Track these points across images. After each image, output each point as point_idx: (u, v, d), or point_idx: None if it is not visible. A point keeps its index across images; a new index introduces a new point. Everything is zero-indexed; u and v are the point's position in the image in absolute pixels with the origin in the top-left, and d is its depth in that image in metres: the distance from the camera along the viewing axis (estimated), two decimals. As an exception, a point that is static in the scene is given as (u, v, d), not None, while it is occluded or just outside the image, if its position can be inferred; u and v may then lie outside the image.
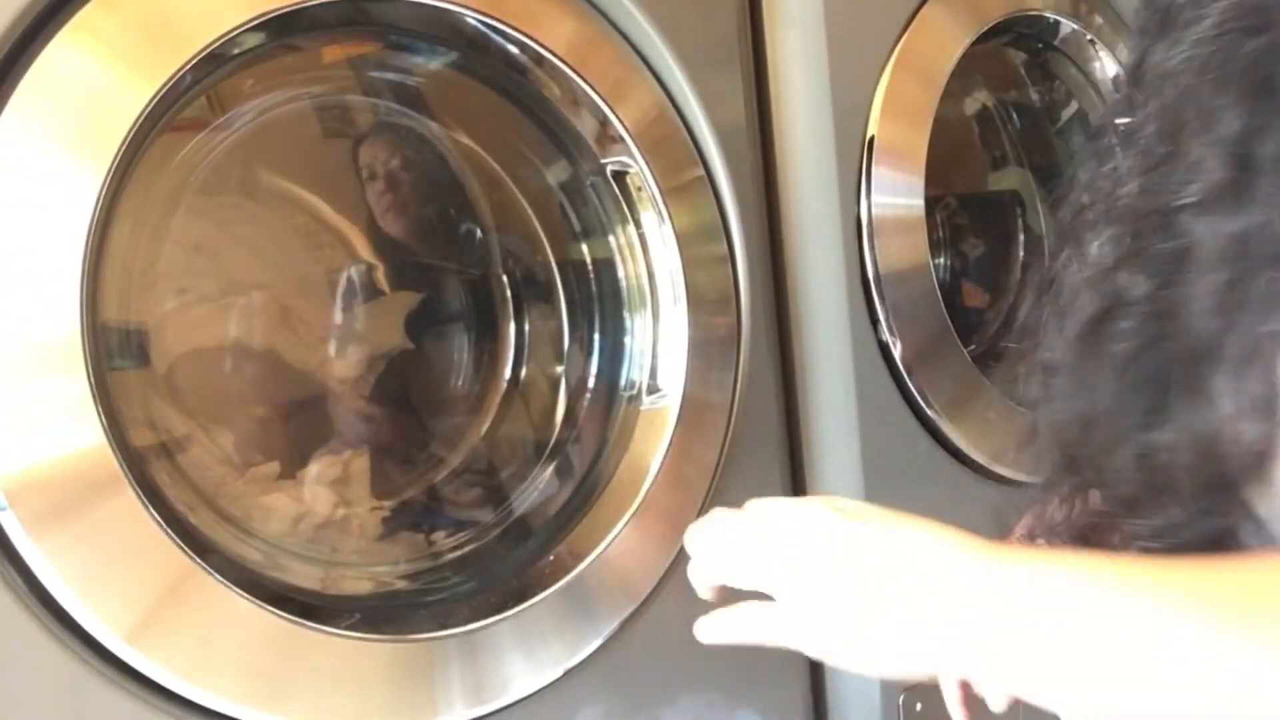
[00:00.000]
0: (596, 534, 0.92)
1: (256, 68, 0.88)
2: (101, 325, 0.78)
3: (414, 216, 1.04)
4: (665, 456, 0.93)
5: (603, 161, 0.96)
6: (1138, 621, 0.44)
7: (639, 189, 0.96)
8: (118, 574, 0.70)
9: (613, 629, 0.91)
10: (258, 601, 0.75)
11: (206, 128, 0.88)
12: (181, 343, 0.90)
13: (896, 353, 1.06)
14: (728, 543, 0.58)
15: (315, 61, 0.93)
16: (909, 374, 1.07)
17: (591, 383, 1.04)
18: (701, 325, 0.96)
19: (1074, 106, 1.37)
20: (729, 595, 0.59)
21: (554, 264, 1.06)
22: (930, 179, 1.10)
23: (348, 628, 0.80)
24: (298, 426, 0.97)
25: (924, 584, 0.53)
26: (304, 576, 0.89)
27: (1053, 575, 0.48)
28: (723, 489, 0.97)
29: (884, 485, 1.06)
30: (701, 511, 0.96)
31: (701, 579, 0.59)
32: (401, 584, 0.93)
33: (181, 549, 0.72)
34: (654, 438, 0.95)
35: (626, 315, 1.00)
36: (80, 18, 0.70)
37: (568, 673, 0.89)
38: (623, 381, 1.01)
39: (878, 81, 1.06)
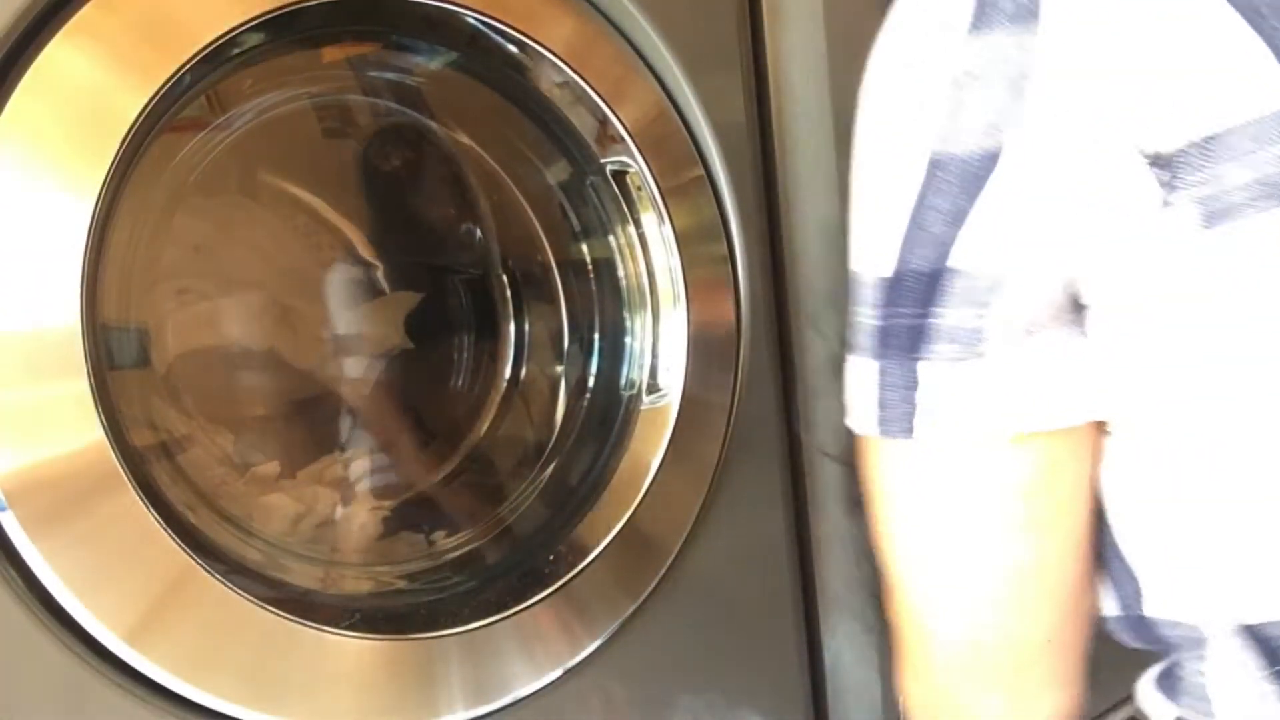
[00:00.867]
0: (596, 534, 0.92)
1: (256, 68, 0.88)
2: (101, 325, 0.78)
3: (414, 216, 1.04)
4: (665, 456, 0.93)
5: (602, 161, 0.96)
6: None
7: (639, 189, 0.96)
8: (118, 574, 0.70)
9: (613, 629, 0.91)
10: (258, 601, 0.75)
11: (206, 128, 0.88)
12: (181, 343, 0.90)
13: (896, 352, 1.06)
14: None
15: (315, 61, 0.93)
16: (909, 374, 1.07)
17: (591, 383, 1.04)
18: (701, 325, 0.96)
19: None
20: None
21: (554, 264, 1.06)
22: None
23: (348, 628, 0.80)
24: (297, 426, 0.97)
25: None
26: (304, 576, 0.89)
27: None
28: (723, 489, 0.97)
29: (884, 485, 1.06)
30: (702, 512, 0.96)
31: None
32: (401, 584, 0.93)
33: (181, 549, 0.72)
34: (654, 438, 0.95)
35: (626, 315, 1.00)
36: (80, 18, 0.70)
37: (567, 673, 0.89)
38: (623, 381, 1.01)
39: (878, 81, 1.06)
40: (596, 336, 1.04)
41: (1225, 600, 0.52)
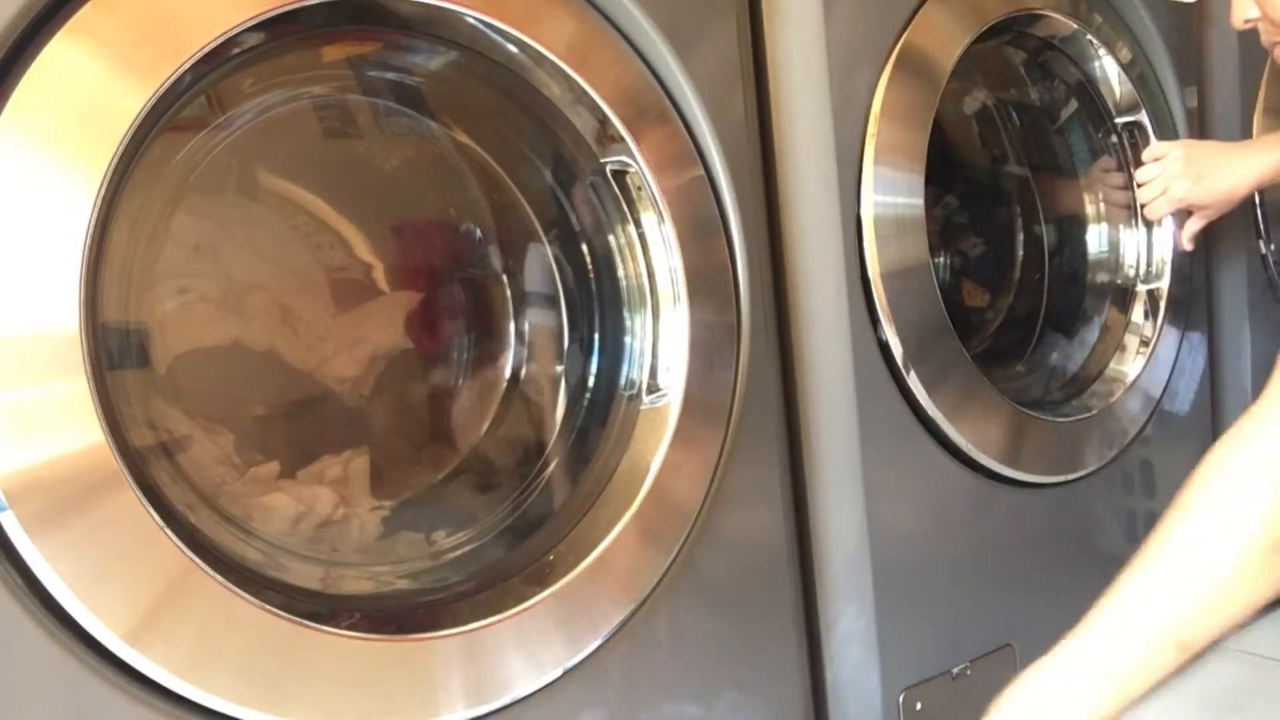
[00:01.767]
0: (596, 534, 0.92)
1: (256, 67, 0.88)
2: (101, 325, 0.78)
3: (414, 216, 1.04)
4: (665, 456, 0.93)
5: (603, 161, 0.96)
6: None
7: (639, 188, 0.96)
8: (117, 574, 0.70)
9: (613, 629, 0.91)
10: (258, 601, 0.75)
11: (206, 128, 0.88)
12: (181, 343, 0.90)
13: (896, 352, 1.06)
14: None
15: (315, 61, 0.93)
16: (909, 373, 1.07)
17: (591, 382, 1.04)
18: (701, 325, 0.96)
19: (1073, 105, 1.37)
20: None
21: (554, 264, 1.06)
22: (930, 178, 1.10)
23: (348, 628, 0.80)
24: (297, 426, 0.97)
25: None
26: (304, 576, 0.89)
27: None
28: (723, 488, 0.98)
29: (884, 484, 1.06)
30: (702, 512, 0.96)
31: None
32: (402, 583, 0.93)
33: (181, 549, 0.72)
34: (654, 437, 0.95)
35: (626, 315, 1.00)
36: (79, 18, 0.70)
37: (567, 673, 0.89)
38: (623, 381, 1.01)
39: (878, 81, 1.06)
40: (596, 336, 1.04)
41: None
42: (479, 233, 1.06)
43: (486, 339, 1.06)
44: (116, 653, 0.70)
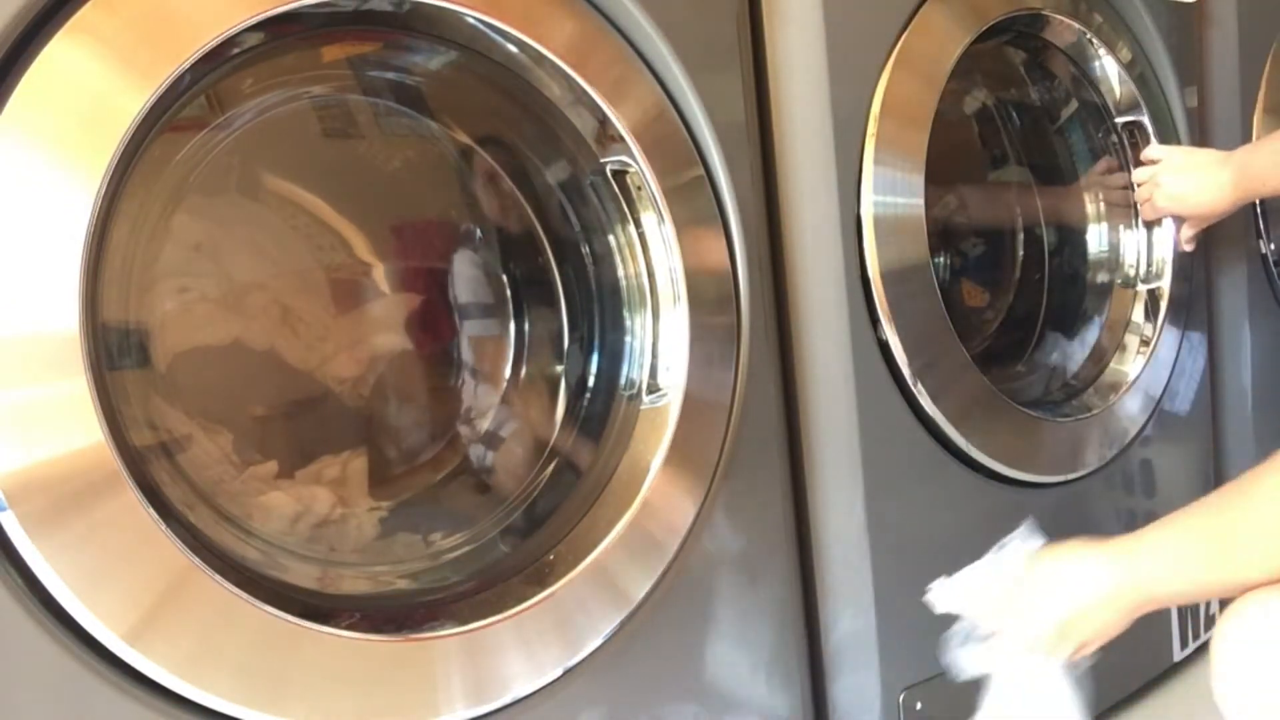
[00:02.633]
0: (596, 534, 0.92)
1: (256, 67, 0.88)
2: (101, 325, 0.78)
3: (414, 216, 1.04)
4: (665, 456, 0.93)
5: (603, 161, 0.96)
6: None
7: (639, 188, 0.96)
8: (117, 574, 0.70)
9: (613, 629, 0.91)
10: (257, 601, 0.75)
11: (206, 128, 0.88)
12: (181, 343, 0.90)
13: (896, 352, 1.06)
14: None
15: (315, 61, 0.93)
16: (909, 373, 1.07)
17: (591, 382, 1.04)
18: (701, 325, 0.96)
19: (1073, 105, 1.37)
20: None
21: (554, 264, 1.06)
22: (930, 178, 1.10)
23: (348, 628, 0.80)
24: (296, 426, 0.97)
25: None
26: (303, 576, 0.89)
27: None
28: (723, 489, 0.98)
29: (884, 485, 1.06)
30: (702, 512, 0.96)
31: None
32: (401, 583, 0.93)
33: (181, 549, 0.72)
34: (654, 437, 0.95)
35: (626, 315, 1.00)
36: (79, 18, 0.70)
37: (567, 673, 0.89)
38: (623, 381, 1.01)
39: (877, 81, 1.06)
40: (596, 336, 1.04)
41: None
42: (479, 232, 1.06)
43: (486, 339, 1.06)
44: (116, 653, 0.70)
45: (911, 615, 1.08)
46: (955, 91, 1.35)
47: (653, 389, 0.97)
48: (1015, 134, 1.42)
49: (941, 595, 0.88)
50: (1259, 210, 1.49)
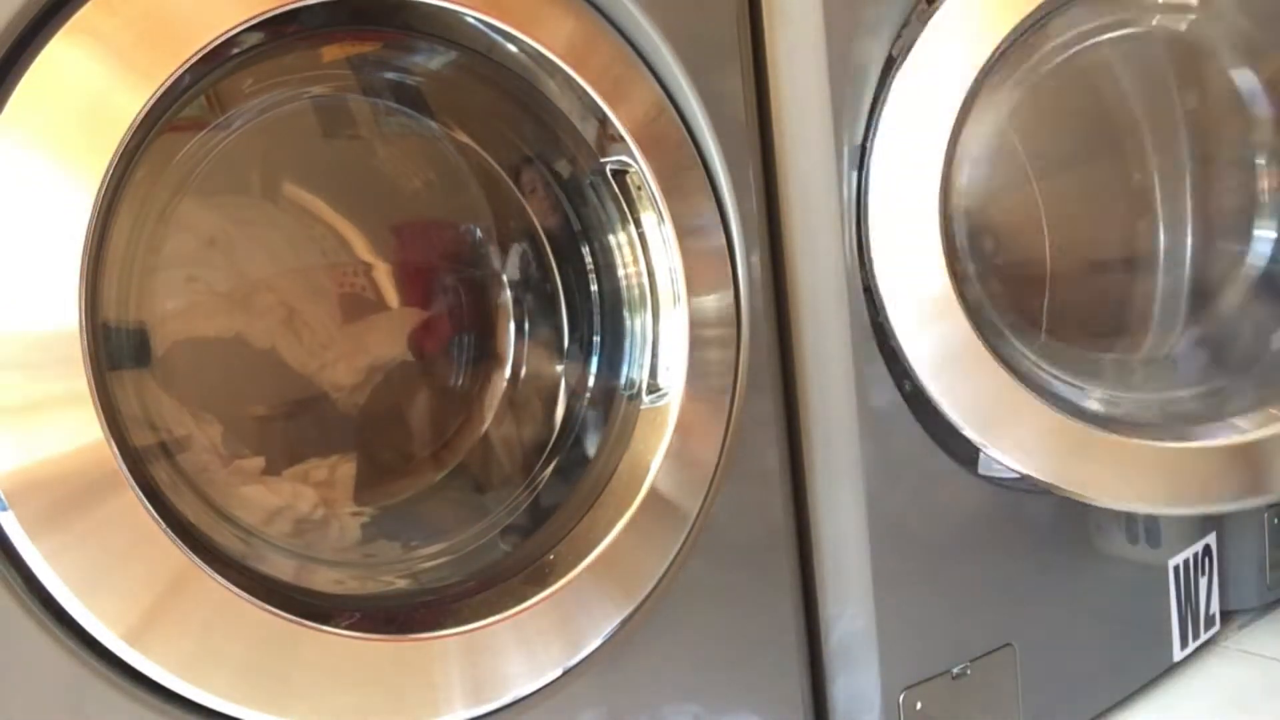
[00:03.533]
0: (596, 534, 0.92)
1: (256, 67, 0.88)
2: (101, 325, 0.78)
3: (412, 216, 1.04)
4: (665, 456, 0.93)
5: (602, 161, 0.96)
6: None
7: (639, 188, 0.96)
8: (118, 574, 0.70)
9: (613, 629, 0.91)
10: (258, 601, 0.75)
11: (206, 128, 0.89)
12: (182, 344, 0.90)
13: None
14: None
15: (315, 61, 0.93)
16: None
17: (591, 382, 1.04)
18: (701, 325, 0.96)
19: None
20: None
21: (554, 264, 1.06)
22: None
23: (348, 628, 0.80)
24: (290, 426, 0.97)
25: None
26: (306, 576, 0.90)
27: None
28: (723, 489, 0.98)
29: (884, 485, 1.06)
30: (702, 512, 0.96)
31: None
32: (401, 583, 0.93)
33: (181, 549, 0.72)
34: (654, 437, 0.95)
35: (626, 315, 1.01)
36: (79, 17, 0.70)
37: (567, 673, 0.89)
38: (623, 381, 1.01)
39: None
40: (596, 336, 1.04)
41: None
42: (479, 233, 1.06)
43: (486, 339, 1.06)
44: (116, 653, 0.70)
45: (911, 615, 1.09)
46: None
47: (653, 389, 0.97)
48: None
49: None
50: None
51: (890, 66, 1.03)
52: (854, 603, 1.07)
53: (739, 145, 0.99)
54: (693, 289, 0.96)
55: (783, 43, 1.02)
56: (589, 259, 1.04)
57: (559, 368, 1.07)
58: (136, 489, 0.70)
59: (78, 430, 0.69)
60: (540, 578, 0.89)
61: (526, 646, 0.86)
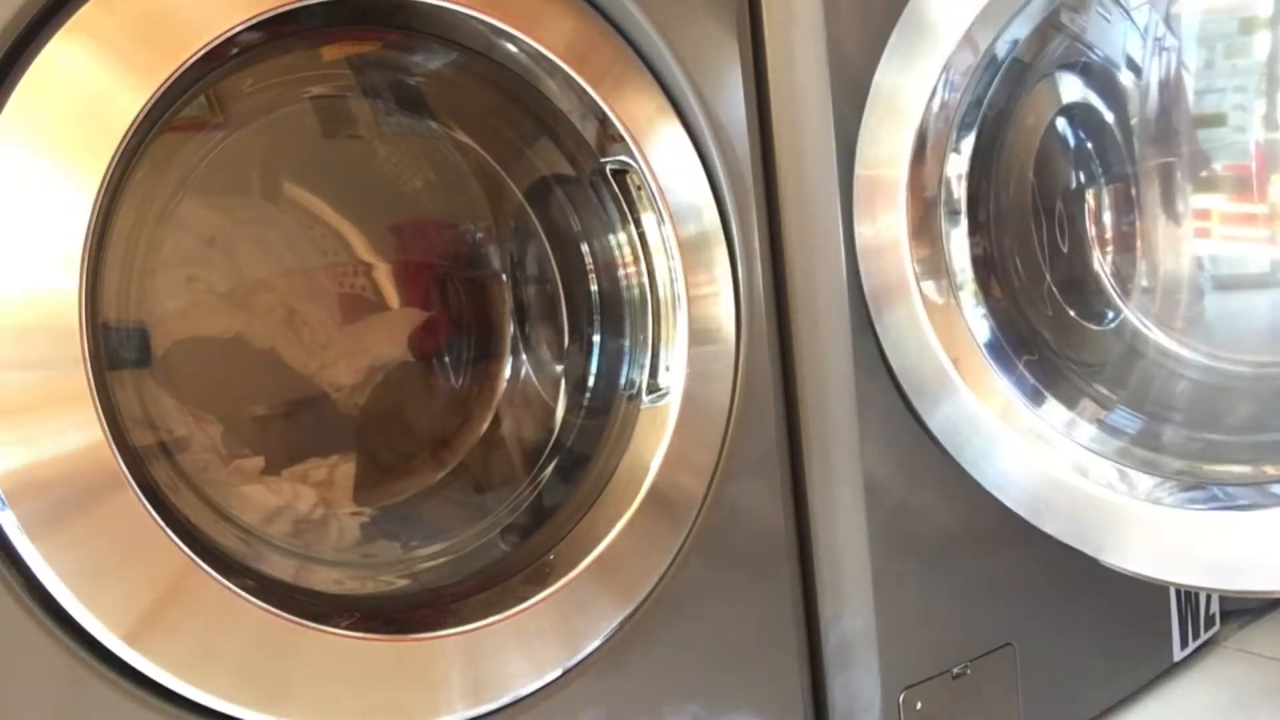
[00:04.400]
0: (596, 534, 0.92)
1: (256, 67, 0.88)
2: (101, 324, 0.78)
3: (413, 216, 1.04)
4: (665, 456, 0.93)
5: (603, 161, 0.96)
6: None
7: (639, 188, 0.96)
8: (117, 574, 0.70)
9: (613, 629, 0.91)
10: (258, 601, 0.75)
11: (206, 127, 0.89)
12: (182, 343, 0.90)
13: (897, 352, 1.06)
14: None
15: (315, 61, 0.93)
16: (909, 373, 1.07)
17: (591, 382, 1.04)
18: (701, 325, 0.96)
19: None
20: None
21: (554, 264, 1.06)
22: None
23: (348, 627, 0.80)
24: (290, 425, 0.97)
25: None
26: (306, 576, 0.90)
27: None
28: (722, 488, 0.98)
29: (884, 485, 1.06)
30: (702, 511, 0.96)
31: None
32: (401, 583, 0.93)
33: (181, 549, 0.72)
34: (654, 437, 0.95)
35: (626, 315, 1.01)
36: (79, 17, 0.70)
37: (567, 673, 0.89)
38: (623, 381, 1.01)
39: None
40: (596, 336, 1.04)
41: None
42: (479, 233, 1.06)
43: (486, 339, 1.06)
44: (116, 653, 0.70)
45: (911, 615, 1.09)
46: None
47: (653, 389, 0.97)
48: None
49: None
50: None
51: (890, 66, 1.03)
52: (854, 603, 1.07)
53: (739, 145, 0.99)
54: (692, 289, 0.96)
55: (783, 43, 1.02)
56: (589, 259, 1.04)
57: (559, 368, 1.07)
58: (136, 489, 0.70)
59: (78, 430, 0.69)
60: (540, 578, 0.89)
61: (526, 646, 0.86)
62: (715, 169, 0.98)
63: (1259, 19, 1.15)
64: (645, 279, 0.98)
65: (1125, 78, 1.20)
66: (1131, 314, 1.23)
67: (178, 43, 0.73)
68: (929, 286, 1.02)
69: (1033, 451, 0.99)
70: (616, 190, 0.97)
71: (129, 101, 0.71)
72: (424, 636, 0.83)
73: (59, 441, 0.68)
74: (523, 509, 1.01)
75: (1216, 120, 1.20)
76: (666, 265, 0.96)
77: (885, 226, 1.02)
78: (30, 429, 0.68)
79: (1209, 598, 1.38)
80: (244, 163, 0.93)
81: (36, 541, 0.68)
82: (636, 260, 0.99)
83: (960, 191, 1.06)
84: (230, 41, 0.77)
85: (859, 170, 1.02)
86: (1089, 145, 1.24)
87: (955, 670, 1.11)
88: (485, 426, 1.05)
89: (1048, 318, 1.16)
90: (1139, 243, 1.24)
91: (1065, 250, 1.24)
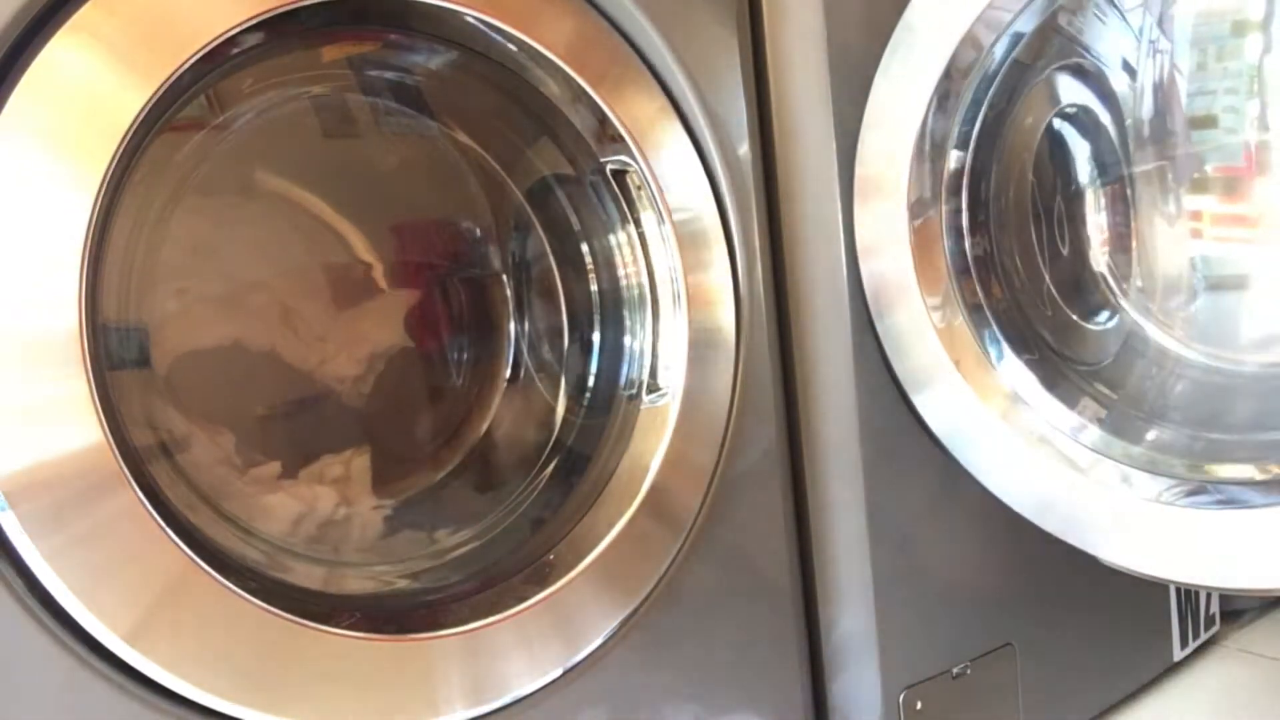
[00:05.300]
0: (596, 534, 0.92)
1: (256, 67, 0.88)
2: (101, 325, 0.78)
3: (414, 216, 1.04)
4: (665, 456, 0.93)
5: (603, 161, 0.96)
6: None
7: (639, 188, 0.96)
8: (118, 574, 0.70)
9: (613, 628, 0.91)
10: (258, 601, 0.75)
11: (206, 128, 0.89)
12: (182, 342, 0.90)
13: (897, 352, 1.06)
14: None
15: (315, 61, 0.93)
16: (909, 373, 1.07)
17: (591, 382, 1.04)
18: (701, 324, 0.96)
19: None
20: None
21: (554, 264, 1.06)
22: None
23: (348, 627, 0.80)
24: (298, 425, 0.97)
25: None
26: (306, 576, 0.90)
27: None
28: (723, 489, 0.98)
29: (885, 486, 1.06)
30: (702, 511, 0.96)
31: None
32: (402, 583, 0.93)
33: (181, 549, 0.72)
34: (654, 437, 0.95)
35: (626, 315, 1.01)
36: (79, 18, 0.70)
37: (567, 672, 0.89)
38: (623, 381, 1.01)
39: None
40: (596, 336, 1.04)
41: None
42: (479, 232, 1.06)
43: (486, 338, 1.06)
44: (116, 653, 0.70)
45: (911, 615, 1.09)
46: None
47: (653, 389, 0.97)
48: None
49: None
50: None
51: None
52: (854, 603, 1.07)
53: (739, 144, 0.99)
54: (692, 288, 0.96)
55: (783, 42, 1.02)
56: (589, 258, 1.04)
57: (559, 367, 1.07)
58: (136, 489, 0.70)
59: (78, 431, 0.69)
60: (540, 578, 0.89)
61: (526, 646, 0.86)
62: (715, 169, 0.98)
63: (1251, 21, 1.15)
64: (645, 278, 0.98)
65: (1120, 80, 1.20)
66: (1130, 314, 1.23)
67: (177, 43, 0.73)
68: (929, 287, 1.02)
69: (1033, 451, 0.99)
70: (616, 190, 0.97)
71: (129, 101, 0.71)
72: (424, 636, 0.83)
73: (59, 442, 0.68)
74: (522, 509, 1.01)
75: (1209, 122, 1.20)
76: (667, 265, 0.96)
77: (886, 226, 1.01)
78: (31, 429, 0.68)
79: (1209, 597, 1.38)
80: (244, 163, 0.93)
81: (37, 542, 0.68)
82: (636, 259, 0.99)
83: (960, 191, 1.06)
84: (230, 41, 0.77)
85: (859, 170, 1.02)
86: (1087, 146, 1.24)
87: (955, 670, 1.11)
88: (485, 426, 1.05)
89: (1048, 318, 1.16)
90: (1135, 243, 1.24)
91: (1065, 250, 1.24)
